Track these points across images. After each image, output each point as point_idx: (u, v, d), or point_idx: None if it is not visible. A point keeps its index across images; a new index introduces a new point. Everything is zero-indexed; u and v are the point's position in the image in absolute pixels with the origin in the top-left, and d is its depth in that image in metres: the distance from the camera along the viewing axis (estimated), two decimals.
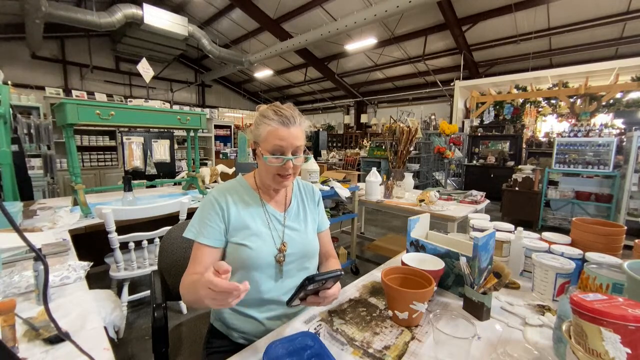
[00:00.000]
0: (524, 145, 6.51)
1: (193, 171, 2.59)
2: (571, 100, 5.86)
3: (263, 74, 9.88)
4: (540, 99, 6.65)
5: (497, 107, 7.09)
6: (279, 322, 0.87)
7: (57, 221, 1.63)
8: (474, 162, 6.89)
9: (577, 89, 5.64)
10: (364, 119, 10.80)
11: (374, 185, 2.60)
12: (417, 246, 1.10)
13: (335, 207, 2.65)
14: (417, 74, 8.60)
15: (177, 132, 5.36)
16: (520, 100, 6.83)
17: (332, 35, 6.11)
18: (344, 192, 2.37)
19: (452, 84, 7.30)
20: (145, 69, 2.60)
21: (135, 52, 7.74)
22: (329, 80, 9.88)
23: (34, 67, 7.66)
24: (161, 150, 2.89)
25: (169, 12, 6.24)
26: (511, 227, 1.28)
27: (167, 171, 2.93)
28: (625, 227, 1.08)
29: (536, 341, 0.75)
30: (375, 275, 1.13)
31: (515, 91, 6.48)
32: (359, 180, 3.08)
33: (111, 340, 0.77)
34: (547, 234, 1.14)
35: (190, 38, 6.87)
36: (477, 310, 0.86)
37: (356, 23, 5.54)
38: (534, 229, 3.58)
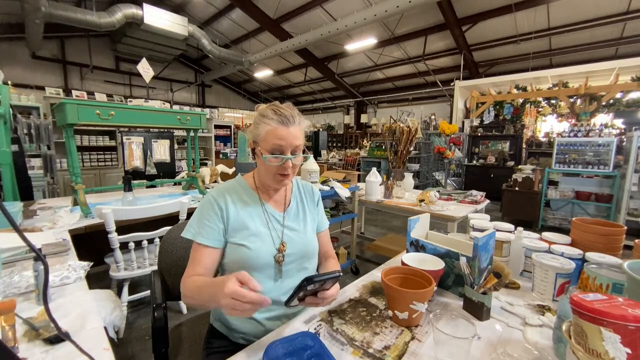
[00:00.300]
0: (524, 145, 6.51)
1: (193, 171, 2.59)
2: (571, 100, 5.86)
3: (263, 74, 9.88)
4: (540, 99, 6.65)
5: (497, 107, 7.09)
6: (279, 323, 0.87)
7: (57, 221, 1.63)
8: (474, 162, 6.90)
9: (577, 89, 5.64)
10: (364, 119, 10.80)
11: (374, 185, 2.60)
12: (417, 246, 1.10)
13: (335, 207, 2.65)
14: (417, 74, 8.60)
15: (177, 132, 5.36)
16: (520, 100, 6.83)
17: (332, 35, 6.11)
18: (344, 192, 2.37)
19: (452, 84, 7.30)
20: (145, 69, 2.60)
21: (135, 52, 7.74)
22: (329, 80, 9.88)
23: (34, 67, 7.66)
24: (161, 150, 2.89)
25: (169, 12, 6.24)
26: (511, 227, 1.28)
27: (167, 171, 2.93)
28: (625, 227, 1.08)
29: (536, 341, 0.75)
30: (375, 275, 1.13)
31: (515, 91, 6.48)
32: (359, 180, 3.08)
33: (111, 340, 0.77)
34: (547, 234, 1.14)
35: (190, 38, 6.88)
36: (477, 310, 0.86)
37: (356, 23, 5.54)
38: (534, 229, 3.58)
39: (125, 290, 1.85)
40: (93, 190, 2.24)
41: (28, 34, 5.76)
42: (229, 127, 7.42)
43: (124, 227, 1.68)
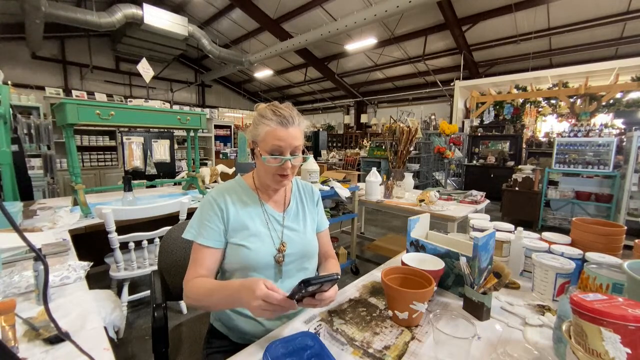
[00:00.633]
0: (524, 145, 6.51)
1: (193, 171, 2.59)
2: (571, 100, 5.86)
3: (263, 74, 9.88)
4: (540, 99, 6.65)
5: (497, 107, 7.09)
6: (279, 322, 0.87)
7: (57, 221, 1.63)
8: (474, 162, 6.89)
9: (577, 89, 5.64)
10: (364, 119, 10.80)
11: (374, 185, 2.60)
12: (417, 246, 1.10)
13: (335, 207, 2.65)
14: (417, 74, 8.60)
15: (177, 132, 5.36)
16: (520, 100, 6.83)
17: (332, 35, 6.11)
18: (344, 192, 2.37)
19: (452, 84, 7.30)
20: (145, 69, 2.60)
21: (135, 52, 7.73)
22: (329, 80, 9.88)
23: (34, 67, 7.66)
24: (161, 150, 2.89)
25: (169, 12, 6.24)
26: (511, 227, 1.28)
27: (167, 171, 2.93)
28: (625, 227, 1.08)
29: (536, 341, 0.75)
30: (375, 275, 1.13)
31: (515, 91, 6.48)
32: (359, 180, 3.08)
33: (111, 340, 0.77)
34: (547, 234, 1.14)
35: (190, 38, 6.88)
36: (477, 310, 0.86)
37: (356, 23, 5.54)
38: (534, 229, 3.58)
39: (125, 290, 1.85)
40: (93, 190, 2.24)
41: (28, 34, 5.76)
42: (229, 127, 7.42)
43: (124, 227, 1.68)
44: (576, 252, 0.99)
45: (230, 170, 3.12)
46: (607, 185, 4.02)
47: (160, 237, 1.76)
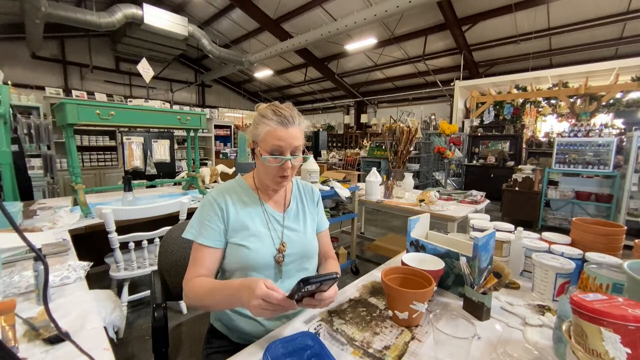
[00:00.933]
0: (524, 145, 6.51)
1: (193, 171, 2.59)
2: (571, 100, 5.86)
3: (263, 74, 9.88)
4: (540, 99, 6.65)
5: (497, 107, 7.09)
6: (279, 322, 0.87)
7: (57, 221, 1.63)
8: (474, 162, 6.89)
9: (577, 89, 5.64)
10: (364, 119, 10.80)
11: (374, 185, 2.60)
12: (417, 246, 1.10)
13: (335, 207, 2.65)
14: (417, 74, 8.60)
15: (177, 132, 5.36)
16: (520, 100, 6.83)
17: (332, 35, 6.11)
18: (344, 192, 2.37)
19: (452, 84, 7.30)
20: (145, 69, 2.60)
21: (135, 52, 7.73)
22: (329, 80, 9.88)
23: (34, 67, 7.66)
24: (161, 150, 2.89)
25: (169, 12, 6.24)
26: (511, 227, 1.28)
27: (167, 171, 2.93)
28: (625, 227, 1.08)
29: (536, 341, 0.75)
30: (375, 275, 1.13)
31: (515, 91, 6.49)
32: (359, 180, 3.08)
33: (111, 340, 0.77)
34: (547, 234, 1.14)
35: (190, 38, 6.87)
36: (477, 310, 0.86)
37: (356, 23, 5.54)
38: (534, 229, 3.58)
39: (125, 290, 1.85)
40: (93, 190, 2.23)
41: (28, 34, 5.76)
42: (229, 127, 7.42)
43: (124, 227, 1.68)
44: (576, 252, 0.99)
45: (230, 170, 3.12)
46: (607, 185, 4.02)
47: (160, 237, 1.76)
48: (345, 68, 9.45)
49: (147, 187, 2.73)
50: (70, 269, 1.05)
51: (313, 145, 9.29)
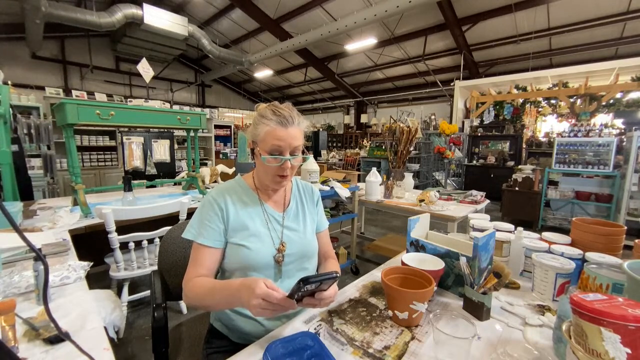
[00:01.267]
0: (524, 145, 6.51)
1: (193, 171, 2.59)
2: (571, 100, 5.86)
3: (263, 74, 9.88)
4: (540, 99, 6.65)
5: (497, 107, 7.09)
6: (279, 322, 0.87)
7: (57, 221, 1.63)
8: (474, 162, 6.89)
9: (577, 89, 5.64)
10: (364, 119, 10.80)
11: (374, 185, 2.60)
12: (417, 246, 1.10)
13: (335, 207, 2.65)
14: (417, 74, 8.60)
15: (177, 132, 5.36)
16: (520, 100, 6.83)
17: (332, 35, 6.11)
18: (344, 192, 2.37)
19: (452, 84, 7.30)
20: (145, 69, 2.60)
21: (135, 52, 7.74)
22: (329, 80, 9.88)
23: (34, 67, 7.66)
24: (161, 150, 2.89)
25: (169, 12, 6.24)
26: (511, 227, 1.28)
27: (167, 171, 2.93)
28: (625, 227, 1.08)
29: (536, 341, 0.75)
30: (375, 275, 1.13)
31: (515, 91, 6.49)
32: (359, 180, 3.08)
33: (111, 340, 0.77)
34: (547, 234, 1.14)
35: (190, 38, 6.87)
36: (477, 310, 0.86)
37: (356, 23, 5.54)
38: (534, 229, 3.57)
39: (125, 290, 1.85)
40: (93, 190, 2.23)
41: (28, 34, 5.76)
42: (229, 127, 7.43)
43: (124, 227, 1.68)
44: (576, 252, 0.99)
45: (230, 170, 3.12)
46: (607, 185, 4.02)
47: (160, 237, 1.76)
48: (345, 68, 9.45)
49: (147, 187, 2.73)
50: (70, 269, 1.05)
51: (313, 145, 9.29)
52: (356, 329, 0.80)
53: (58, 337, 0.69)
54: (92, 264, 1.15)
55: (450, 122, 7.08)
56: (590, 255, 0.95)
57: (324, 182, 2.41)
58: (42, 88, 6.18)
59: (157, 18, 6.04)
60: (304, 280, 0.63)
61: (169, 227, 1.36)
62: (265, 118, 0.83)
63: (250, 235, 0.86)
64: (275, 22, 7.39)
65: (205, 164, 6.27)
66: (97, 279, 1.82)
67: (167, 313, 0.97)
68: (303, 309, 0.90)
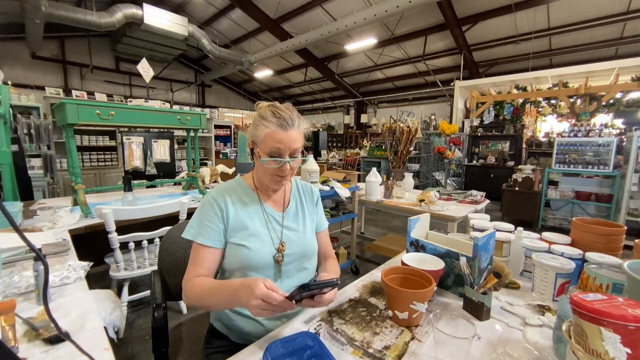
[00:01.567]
0: (524, 145, 6.51)
1: (193, 171, 2.59)
2: (571, 100, 5.86)
3: (263, 74, 9.88)
4: (540, 99, 6.65)
5: (497, 107, 7.09)
6: (279, 322, 0.87)
7: (57, 221, 1.63)
8: (474, 162, 6.89)
9: (577, 89, 5.64)
10: (364, 119, 10.80)
11: (374, 185, 2.60)
12: (417, 246, 1.10)
13: (335, 207, 2.65)
14: (417, 74, 8.60)
15: (177, 132, 5.36)
16: (520, 100, 6.83)
17: (332, 35, 6.11)
18: (344, 192, 2.37)
19: (452, 84, 7.30)
20: (145, 69, 2.60)
21: (135, 52, 7.73)
22: (329, 80, 9.88)
23: (34, 67, 7.66)
24: (161, 150, 2.89)
25: (169, 12, 6.24)
26: (511, 227, 1.28)
27: (167, 171, 2.92)
28: (625, 227, 1.08)
29: (536, 341, 0.75)
30: (375, 275, 1.13)
31: (515, 91, 6.48)
32: (359, 180, 3.08)
33: (111, 340, 0.77)
34: (547, 234, 1.14)
35: (190, 38, 6.87)
36: (477, 310, 0.86)
37: (356, 23, 5.54)
38: (534, 229, 3.57)
39: (125, 290, 1.85)
40: (93, 190, 2.23)
41: (28, 34, 5.76)
42: (229, 127, 7.43)
43: (124, 227, 1.68)
44: (576, 252, 0.99)
45: (230, 170, 3.12)
46: (607, 185, 4.02)
47: (160, 237, 1.76)
48: (345, 68, 9.45)
49: (147, 187, 2.73)
50: (70, 269, 1.05)
51: (313, 145, 9.29)
52: (356, 329, 0.80)
53: (58, 337, 0.69)
54: (92, 264, 1.15)
55: (450, 122, 7.08)
56: (590, 255, 0.95)
57: (324, 182, 2.41)
58: (42, 88, 6.18)
59: (157, 18, 6.04)
60: (304, 287, 0.63)
61: (169, 227, 1.36)
62: (265, 120, 0.82)
63: (250, 235, 0.86)
64: (275, 22, 7.39)
65: (205, 164, 6.27)
66: (97, 279, 1.83)
67: (167, 313, 0.97)
68: (303, 309, 0.90)
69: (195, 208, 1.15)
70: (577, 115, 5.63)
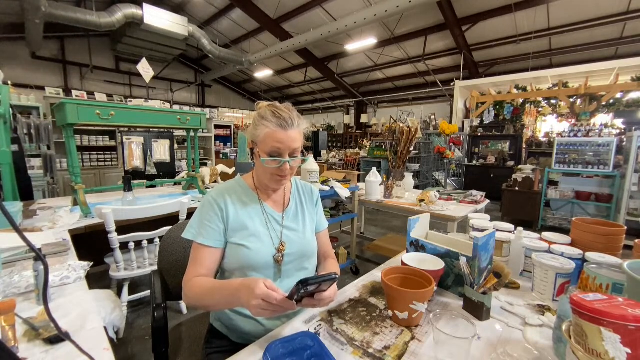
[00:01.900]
0: (524, 145, 6.51)
1: (193, 171, 2.59)
2: (571, 100, 5.86)
3: (263, 74, 9.88)
4: (540, 99, 6.65)
5: (497, 107, 7.09)
6: (279, 322, 0.87)
7: (57, 221, 1.63)
8: (474, 162, 6.89)
9: (577, 89, 5.64)
10: (364, 119, 10.80)
11: (374, 185, 2.60)
12: (417, 246, 1.10)
13: (335, 207, 2.65)
14: (417, 74, 8.60)
15: (177, 132, 5.36)
16: (520, 100, 6.83)
17: (332, 35, 6.11)
18: (344, 192, 2.37)
19: (452, 84, 7.30)
20: (145, 69, 2.60)
21: (135, 52, 7.74)
22: (329, 80, 9.88)
23: (34, 67, 7.66)
24: (161, 150, 2.89)
25: (169, 12, 6.24)
26: (511, 227, 1.28)
27: (167, 171, 2.92)
28: (625, 227, 1.08)
29: (536, 341, 0.75)
30: (375, 275, 1.13)
31: (515, 91, 6.48)
32: (359, 180, 3.08)
33: (111, 340, 0.77)
34: (547, 234, 1.14)
35: (190, 38, 6.88)
36: (477, 310, 0.86)
37: (356, 23, 5.54)
38: (534, 229, 3.58)
39: (125, 290, 1.85)
40: (93, 190, 2.23)
41: (28, 34, 5.76)
42: (229, 127, 7.43)
43: (124, 227, 1.68)
44: (576, 252, 0.99)
45: (230, 170, 3.12)
46: (607, 185, 4.02)
47: (160, 237, 1.76)
48: (345, 68, 9.45)
49: (147, 187, 2.73)
50: (70, 269, 1.05)
51: (313, 145, 9.29)
52: (356, 329, 0.80)
53: (58, 337, 0.69)
54: (92, 264, 1.15)
55: (450, 122, 7.08)
56: (590, 255, 0.95)
57: (324, 182, 2.41)
58: (42, 88, 6.18)
59: (157, 18, 6.04)
60: (303, 282, 0.63)
61: (169, 227, 1.36)
62: (265, 119, 0.82)
63: (250, 235, 0.86)
64: (275, 22, 7.39)
65: (205, 164, 6.27)
66: (97, 279, 1.83)
67: (167, 313, 0.97)
68: (303, 309, 0.90)
69: (195, 208, 1.15)
70: (577, 115, 5.63)
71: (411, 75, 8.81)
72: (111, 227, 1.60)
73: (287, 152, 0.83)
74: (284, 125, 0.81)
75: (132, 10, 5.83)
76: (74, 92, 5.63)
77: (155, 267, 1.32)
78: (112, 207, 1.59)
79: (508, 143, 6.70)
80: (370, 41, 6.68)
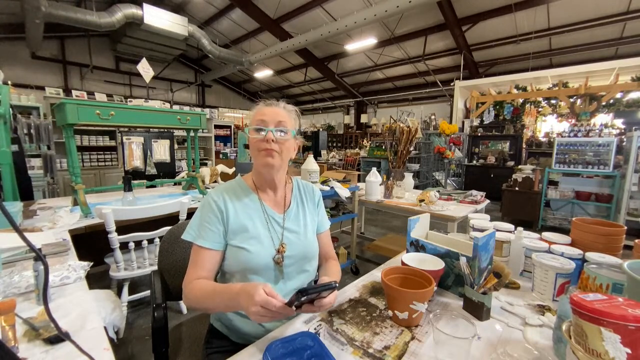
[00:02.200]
0: (524, 145, 6.51)
1: (193, 171, 2.59)
2: (571, 100, 5.86)
3: (263, 74, 9.88)
4: (540, 99, 6.65)
5: (497, 107, 7.09)
6: (279, 323, 0.87)
7: (57, 221, 1.63)
8: (474, 162, 6.89)
9: (577, 89, 5.64)
10: (364, 119, 10.80)
11: (374, 185, 2.60)
12: (417, 246, 1.10)
13: (335, 207, 2.65)
14: (417, 74, 8.60)
15: (177, 132, 5.36)
16: (520, 100, 6.83)
17: (332, 35, 6.11)
18: (344, 192, 2.37)
19: (452, 84, 7.30)
20: (145, 69, 2.60)
21: (135, 52, 7.73)
22: (329, 80, 9.88)
23: (34, 67, 7.66)
24: (161, 150, 2.89)
25: (169, 12, 6.24)
26: (511, 227, 1.28)
27: (167, 171, 2.93)
28: (625, 227, 1.08)
29: (536, 341, 0.75)
30: (375, 275, 1.13)
31: (515, 91, 6.48)
32: (359, 180, 3.08)
33: (111, 340, 0.77)
34: (547, 234, 1.14)
35: (190, 38, 6.87)
36: (477, 310, 0.86)
37: (356, 23, 5.54)
38: (534, 229, 3.57)
39: (125, 290, 1.85)
40: (93, 190, 2.23)
41: (28, 34, 5.76)
42: (229, 127, 7.43)
43: (124, 227, 1.68)
44: (576, 252, 0.99)
45: (230, 170, 3.12)
46: (607, 185, 4.02)
47: (160, 237, 1.76)
48: (345, 68, 9.45)
49: (147, 187, 2.73)
50: (70, 269, 1.05)
51: (313, 145, 9.29)
52: (356, 329, 0.80)
53: (58, 337, 0.69)
54: (92, 264, 1.14)
55: (450, 122, 7.08)
56: (590, 255, 0.95)
57: (324, 182, 2.41)
58: (42, 88, 6.18)
59: (157, 18, 6.04)
60: (302, 292, 0.63)
61: (169, 227, 1.36)
62: (257, 105, 0.91)
63: (250, 237, 0.86)
64: (275, 22, 7.39)
65: (205, 164, 6.27)
66: (97, 279, 1.83)
67: (167, 313, 0.97)
68: None
69: (195, 208, 1.15)
70: (577, 115, 5.63)
71: (411, 75, 8.81)
72: (111, 227, 1.60)
73: (272, 124, 0.86)
74: (269, 103, 0.90)
75: (132, 10, 5.82)
76: (74, 92, 5.64)
77: (155, 267, 1.32)
78: (112, 207, 1.59)
79: (508, 143, 6.70)
80: (370, 41, 6.68)
